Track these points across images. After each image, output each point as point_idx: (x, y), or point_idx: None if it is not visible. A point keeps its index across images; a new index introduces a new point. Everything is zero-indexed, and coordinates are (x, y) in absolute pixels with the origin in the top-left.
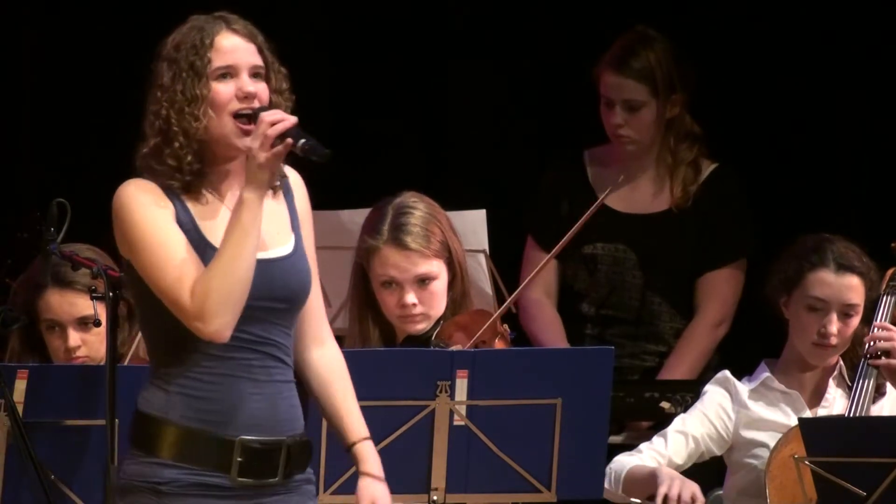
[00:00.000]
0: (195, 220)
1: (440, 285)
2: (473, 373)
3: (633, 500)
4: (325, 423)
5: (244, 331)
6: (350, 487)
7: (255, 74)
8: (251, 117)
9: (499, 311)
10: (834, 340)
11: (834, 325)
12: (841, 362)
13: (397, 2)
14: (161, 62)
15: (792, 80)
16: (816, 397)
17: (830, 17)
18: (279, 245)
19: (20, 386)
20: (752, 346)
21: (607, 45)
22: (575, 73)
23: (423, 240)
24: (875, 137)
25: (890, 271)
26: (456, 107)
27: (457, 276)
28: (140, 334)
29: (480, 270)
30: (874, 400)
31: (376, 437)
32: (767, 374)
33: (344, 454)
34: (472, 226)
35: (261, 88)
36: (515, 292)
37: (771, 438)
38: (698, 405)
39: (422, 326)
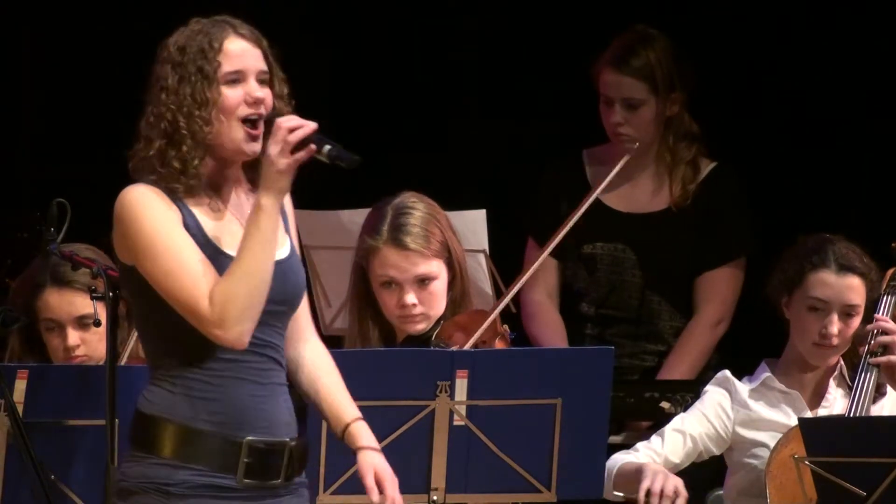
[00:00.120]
0: (201, 225)
1: (440, 285)
2: (473, 373)
3: (615, 493)
4: (325, 424)
5: None
6: (350, 487)
7: (260, 80)
8: (256, 122)
9: (497, 309)
10: (835, 341)
11: (835, 326)
12: (842, 362)
13: (399, 2)
14: (165, 64)
15: (791, 80)
16: (817, 397)
17: (830, 17)
18: (277, 248)
19: (20, 386)
20: (752, 346)
21: (607, 45)
22: (575, 73)
23: (423, 240)
24: (875, 137)
25: (890, 271)
26: (456, 107)
27: (456, 277)
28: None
29: (480, 270)
30: (874, 400)
31: (376, 437)
32: (768, 373)
33: (344, 454)
34: (472, 226)
35: (266, 93)
36: (512, 289)
37: (771, 438)
38: (697, 405)
39: (422, 326)
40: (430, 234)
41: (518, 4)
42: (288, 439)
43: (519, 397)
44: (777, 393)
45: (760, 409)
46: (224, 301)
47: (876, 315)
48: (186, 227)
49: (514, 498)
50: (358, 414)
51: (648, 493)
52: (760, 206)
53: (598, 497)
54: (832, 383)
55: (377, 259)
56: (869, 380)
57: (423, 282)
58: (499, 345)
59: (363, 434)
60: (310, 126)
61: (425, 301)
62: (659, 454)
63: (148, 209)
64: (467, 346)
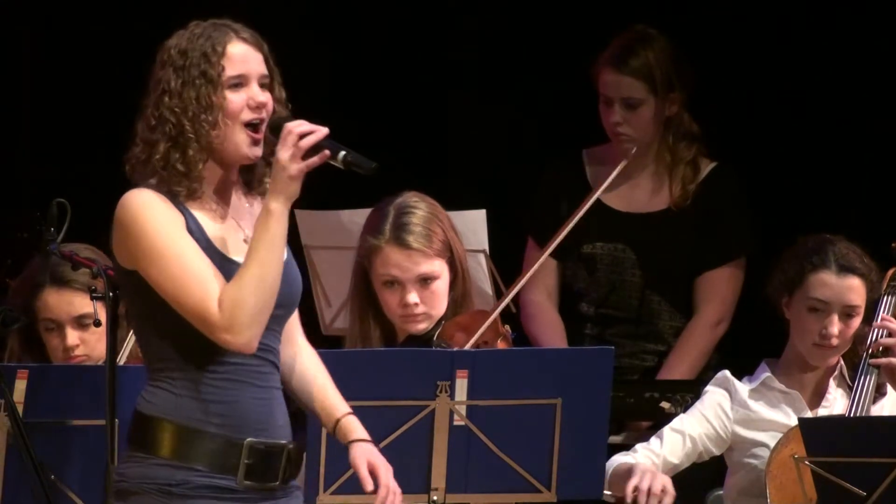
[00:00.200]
0: (204, 229)
1: (442, 285)
2: (473, 373)
3: (606, 493)
4: None
5: None
6: (350, 487)
7: (262, 84)
8: (258, 126)
9: (497, 310)
10: (835, 341)
11: (835, 327)
12: (842, 362)
13: (399, 2)
14: (166, 68)
15: (791, 80)
16: (817, 397)
17: (830, 17)
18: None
19: (20, 386)
20: (752, 346)
21: (607, 45)
22: (574, 73)
23: (425, 239)
24: (875, 137)
25: (890, 272)
26: (456, 106)
27: (458, 276)
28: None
29: (480, 270)
30: (874, 400)
31: (376, 437)
32: (768, 373)
33: (344, 455)
34: (472, 226)
35: (268, 97)
36: (513, 290)
37: (771, 438)
38: (697, 405)
39: (423, 326)
40: (432, 233)
41: (518, 4)
42: (285, 441)
43: (519, 397)
44: (777, 393)
45: (760, 409)
46: (234, 306)
47: (882, 315)
48: (190, 231)
49: (515, 498)
50: (348, 409)
51: (636, 491)
52: (760, 206)
53: (598, 497)
54: (832, 383)
55: (379, 258)
56: (869, 380)
57: (425, 281)
58: (501, 345)
59: (355, 427)
60: (321, 131)
61: (427, 300)
62: (657, 455)
63: (152, 214)
64: (468, 347)
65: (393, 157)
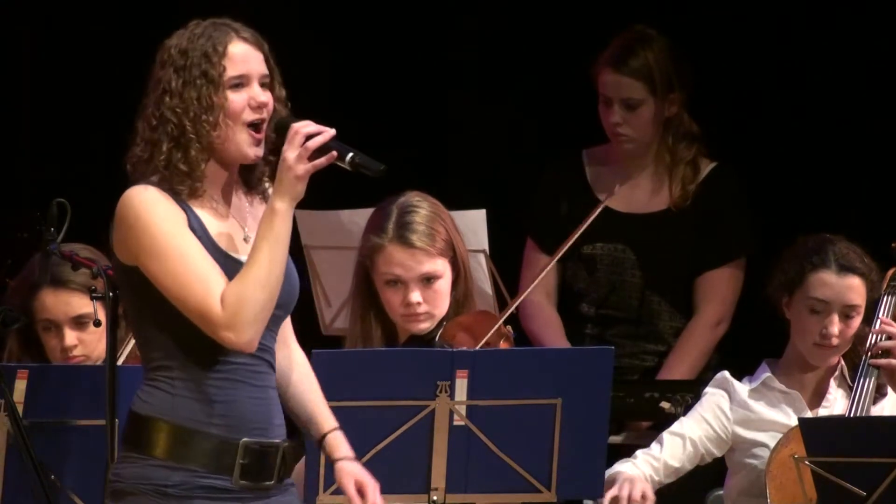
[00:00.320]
0: (206, 228)
1: (444, 284)
2: (473, 373)
3: (586, 501)
4: None
5: None
6: None
7: (262, 83)
8: (259, 126)
9: (503, 315)
10: (835, 341)
11: (835, 326)
12: (842, 362)
13: (399, 1)
14: (166, 67)
15: (791, 80)
16: (818, 397)
17: (830, 17)
18: None
19: (20, 386)
20: (752, 346)
21: (607, 45)
22: (574, 73)
23: (428, 238)
24: (875, 137)
25: (890, 272)
26: (456, 106)
27: (460, 276)
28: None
29: (480, 270)
30: (875, 401)
31: (376, 437)
32: (768, 373)
33: None
34: (472, 226)
35: (269, 97)
36: (520, 295)
37: (771, 438)
38: (696, 407)
39: (425, 326)
40: (435, 232)
41: (518, 4)
42: (280, 441)
43: (519, 397)
44: (777, 393)
45: (760, 409)
46: (237, 304)
47: (882, 318)
48: (192, 228)
49: (515, 498)
50: (335, 424)
51: (616, 500)
52: (760, 206)
53: (598, 497)
54: (833, 383)
55: (382, 257)
56: (869, 381)
57: (428, 280)
58: (503, 345)
59: (341, 444)
60: (328, 132)
61: (430, 300)
62: (657, 459)
63: (154, 210)
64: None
65: (393, 157)
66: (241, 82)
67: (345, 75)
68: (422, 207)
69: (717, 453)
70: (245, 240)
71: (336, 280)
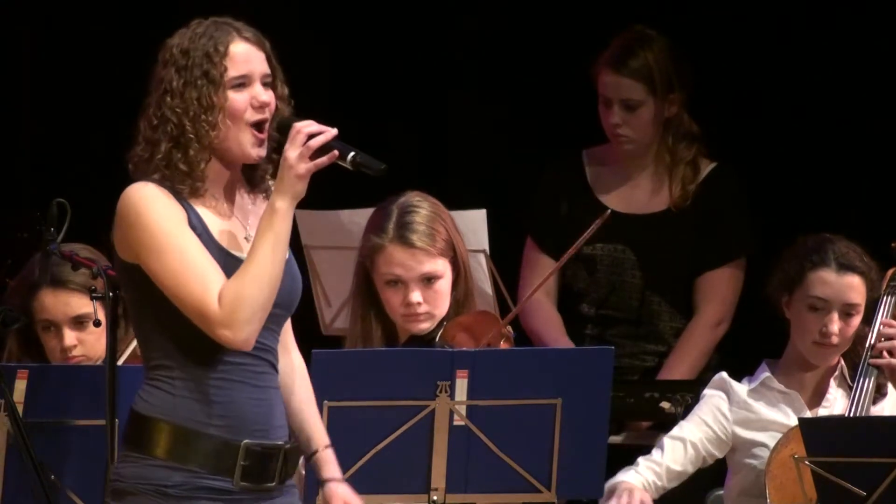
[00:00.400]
0: (206, 226)
1: (445, 284)
2: (473, 373)
3: None
4: (326, 425)
5: None
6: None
7: (265, 83)
8: (262, 126)
9: (506, 319)
10: (835, 340)
11: (835, 325)
12: (842, 362)
13: (399, 1)
14: (168, 67)
15: (791, 80)
16: (818, 397)
17: (830, 17)
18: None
19: (20, 386)
20: (752, 346)
21: (607, 45)
22: (574, 73)
23: (429, 238)
24: (875, 137)
25: (890, 271)
26: (456, 106)
27: (460, 276)
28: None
29: (480, 270)
30: (875, 401)
31: (376, 437)
32: (767, 374)
33: (343, 455)
34: (472, 226)
35: (271, 97)
36: (524, 299)
37: (770, 439)
38: (696, 410)
39: (425, 326)
40: (435, 232)
41: (518, 4)
42: (282, 442)
43: (519, 397)
44: (776, 393)
45: (760, 409)
46: (234, 301)
47: (882, 320)
48: (192, 226)
49: (515, 498)
50: (327, 441)
51: None
52: (760, 206)
53: (598, 497)
54: (833, 383)
55: (382, 257)
56: (869, 381)
57: (428, 280)
58: (503, 345)
59: (330, 464)
60: (330, 132)
61: (430, 300)
62: (659, 465)
63: (154, 207)
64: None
65: (393, 157)
66: (243, 82)
67: (345, 75)
68: (422, 207)
69: (719, 455)
70: (246, 238)
71: (336, 280)
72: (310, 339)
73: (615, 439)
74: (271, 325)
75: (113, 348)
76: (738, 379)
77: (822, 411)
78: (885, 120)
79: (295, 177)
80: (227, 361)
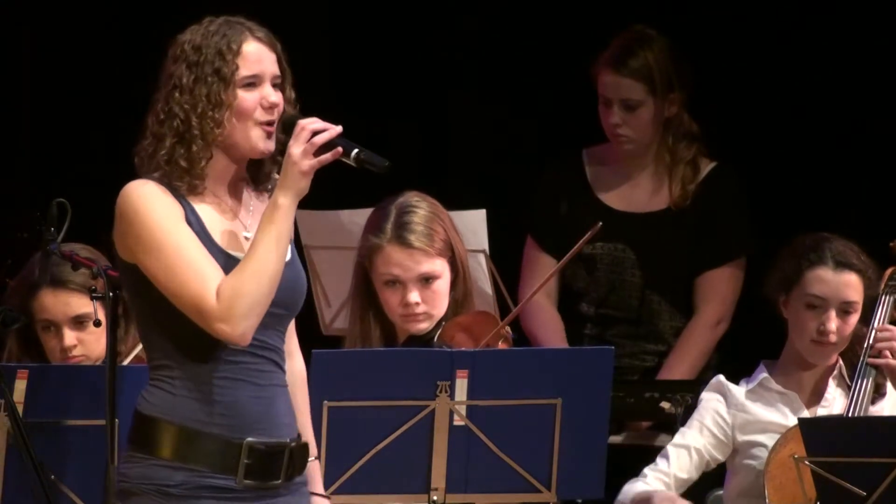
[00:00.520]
0: (204, 223)
1: (443, 284)
2: (473, 373)
3: None
4: (325, 425)
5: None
6: (350, 487)
7: (274, 84)
8: (270, 126)
9: (505, 321)
10: (833, 338)
11: (833, 323)
12: (841, 362)
13: (399, 1)
14: (178, 63)
15: (791, 80)
16: (816, 397)
17: (830, 17)
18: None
19: (20, 386)
20: (751, 347)
21: (607, 45)
22: (574, 73)
23: (427, 238)
24: (875, 137)
25: (889, 271)
26: (456, 106)
27: (459, 276)
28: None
29: (480, 270)
30: (873, 401)
31: (376, 437)
32: (765, 374)
33: (343, 454)
34: (472, 226)
35: (280, 98)
36: (521, 305)
37: (769, 439)
38: (695, 415)
39: (424, 326)
40: (434, 232)
41: (518, 4)
42: (288, 440)
43: (519, 397)
44: (774, 394)
45: (758, 410)
46: (232, 296)
47: (878, 326)
48: (189, 223)
49: (515, 498)
50: (315, 453)
51: None
52: (760, 206)
53: (598, 497)
54: (832, 383)
55: (381, 257)
56: (867, 381)
57: (426, 280)
58: (502, 346)
59: (316, 477)
60: (334, 129)
61: (428, 300)
62: (667, 474)
63: (151, 205)
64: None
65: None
66: (253, 82)
67: (345, 75)
68: (420, 208)
69: (721, 458)
70: (246, 238)
71: (336, 280)
72: (310, 339)
73: (615, 439)
74: (275, 325)
75: (113, 348)
76: (736, 380)
77: (821, 411)
78: (884, 120)
79: (298, 173)
80: (227, 360)
